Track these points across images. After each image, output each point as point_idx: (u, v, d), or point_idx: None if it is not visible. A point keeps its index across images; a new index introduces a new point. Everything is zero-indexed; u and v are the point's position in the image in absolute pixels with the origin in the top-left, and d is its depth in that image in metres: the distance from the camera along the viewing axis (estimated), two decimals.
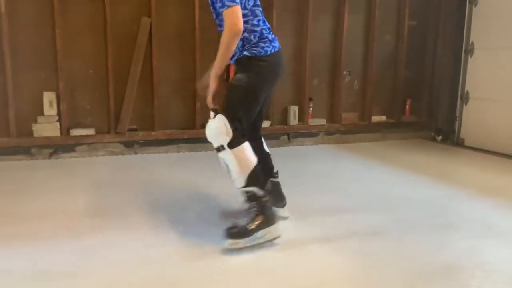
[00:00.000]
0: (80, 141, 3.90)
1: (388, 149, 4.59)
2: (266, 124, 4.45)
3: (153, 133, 4.10)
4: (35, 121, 3.80)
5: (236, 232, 2.09)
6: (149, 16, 3.98)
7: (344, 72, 4.80)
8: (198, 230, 2.32)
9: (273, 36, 2.24)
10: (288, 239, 2.23)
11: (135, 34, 3.96)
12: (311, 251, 2.11)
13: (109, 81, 3.93)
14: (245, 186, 2.11)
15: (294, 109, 4.59)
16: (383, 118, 5.02)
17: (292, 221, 2.47)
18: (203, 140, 4.37)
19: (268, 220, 2.13)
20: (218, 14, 2.16)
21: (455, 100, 4.89)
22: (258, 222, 2.11)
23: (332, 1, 4.67)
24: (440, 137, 5.03)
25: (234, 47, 2.06)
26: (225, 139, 2.06)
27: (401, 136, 5.07)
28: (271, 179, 2.47)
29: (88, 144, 3.93)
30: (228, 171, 2.12)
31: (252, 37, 2.17)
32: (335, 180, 3.36)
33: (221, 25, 2.18)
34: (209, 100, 2.18)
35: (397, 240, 2.26)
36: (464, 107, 4.82)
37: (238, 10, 2.01)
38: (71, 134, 3.86)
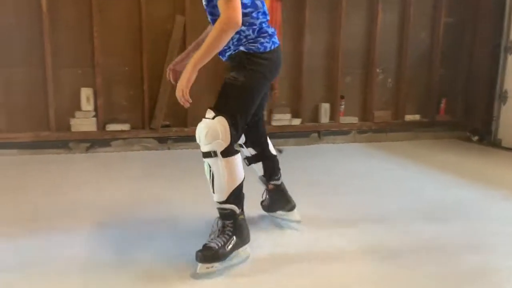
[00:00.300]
0: (115, 136, 4.01)
1: (421, 148, 4.50)
2: (296, 121, 4.45)
3: (185, 129, 4.16)
4: (73, 116, 3.94)
5: (211, 255, 1.83)
6: (183, 14, 4.04)
7: (378, 70, 4.74)
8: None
9: (272, 30, 2.00)
10: (317, 240, 2.23)
11: (169, 31, 4.04)
12: (338, 253, 2.11)
13: (144, 78, 4.02)
14: (224, 202, 1.89)
15: (325, 107, 4.57)
16: (416, 117, 4.92)
17: (321, 221, 2.47)
18: None
19: (244, 240, 1.95)
20: (210, 0, 1.92)
21: (493, 100, 4.75)
22: (233, 242, 1.90)
23: None
24: (476, 137, 4.89)
25: (225, 42, 1.81)
26: (220, 145, 1.83)
27: (435, 136, 4.96)
28: (272, 182, 2.31)
29: (123, 139, 4.04)
30: (211, 181, 1.88)
31: (250, 31, 1.92)
32: (366, 179, 3.33)
33: (213, 14, 1.94)
34: (181, 93, 1.90)
35: (429, 241, 2.23)
36: (502, 107, 4.67)
37: (237, 0, 1.76)
38: (107, 129, 3.98)
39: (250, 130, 2.21)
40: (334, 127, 4.62)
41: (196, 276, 1.82)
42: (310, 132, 4.56)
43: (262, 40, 1.94)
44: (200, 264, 1.83)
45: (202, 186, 3.06)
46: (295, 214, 2.37)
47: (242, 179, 1.92)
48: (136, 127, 4.09)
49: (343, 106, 4.65)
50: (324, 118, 4.58)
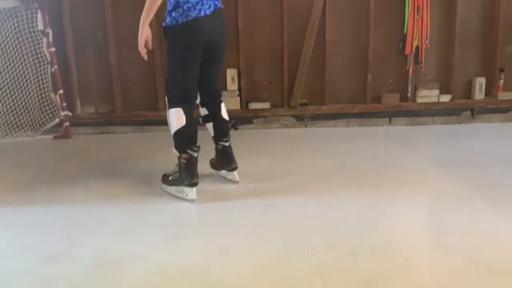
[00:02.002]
0: (257, 114, 4.17)
1: None
2: (446, 98, 4.08)
3: (323, 107, 4.14)
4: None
5: (162, 178, 2.61)
6: None
7: None
8: None
9: (192, 4, 2.23)
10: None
11: (309, 7, 4.00)
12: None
13: (284, 56, 4.07)
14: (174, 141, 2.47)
15: (480, 81, 4.09)
16: None
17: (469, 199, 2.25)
18: (374, 114, 4.25)
19: (180, 180, 2.47)
20: None
21: None
22: (172, 177, 2.52)
23: None
24: None
25: (153, 12, 2.25)
26: (165, 100, 2.51)
27: None
28: (221, 143, 2.69)
29: (264, 117, 4.18)
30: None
31: (168, 4, 2.27)
32: None
33: None
34: (140, 46, 2.38)
35: None
36: None
37: None
38: (249, 108, 4.16)
39: (203, 93, 2.61)
40: (491, 104, 4.12)
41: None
42: (462, 109, 4.15)
43: (174, 14, 2.25)
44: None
45: (333, 163, 3.07)
46: (235, 175, 2.75)
47: (177, 128, 2.40)
48: (275, 105, 4.19)
49: (502, 81, 4.11)
50: (479, 94, 4.11)
